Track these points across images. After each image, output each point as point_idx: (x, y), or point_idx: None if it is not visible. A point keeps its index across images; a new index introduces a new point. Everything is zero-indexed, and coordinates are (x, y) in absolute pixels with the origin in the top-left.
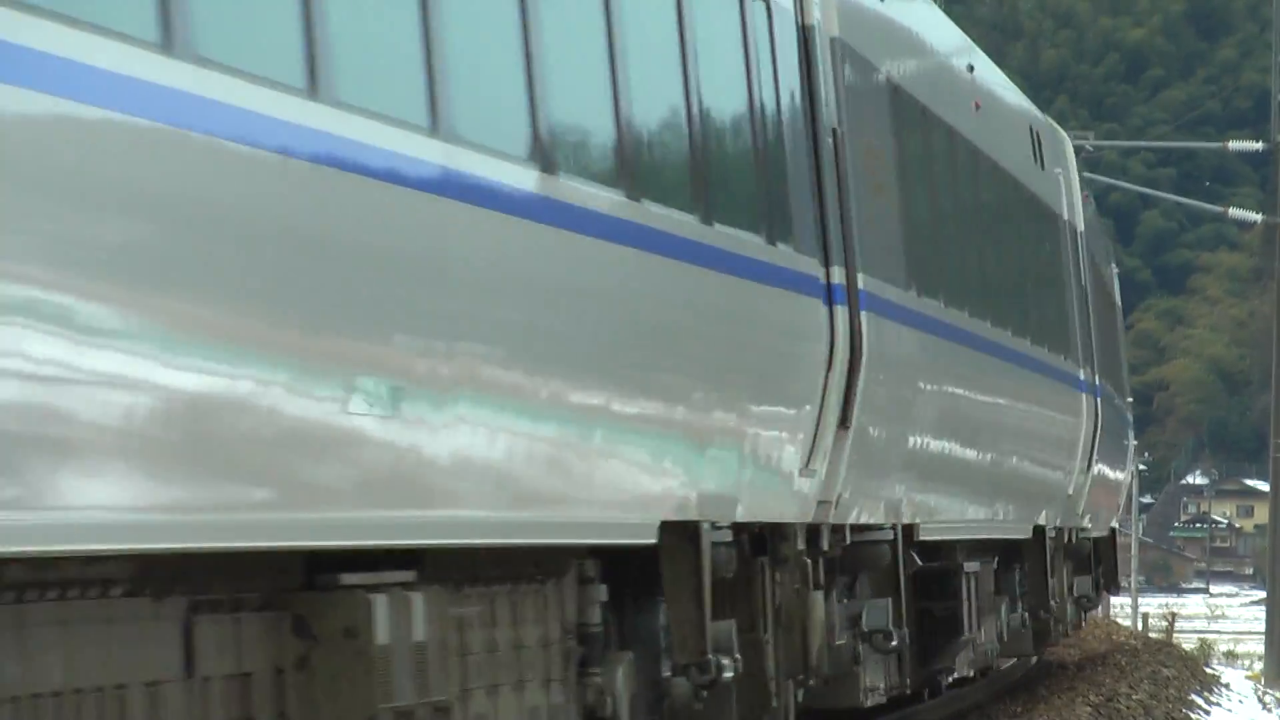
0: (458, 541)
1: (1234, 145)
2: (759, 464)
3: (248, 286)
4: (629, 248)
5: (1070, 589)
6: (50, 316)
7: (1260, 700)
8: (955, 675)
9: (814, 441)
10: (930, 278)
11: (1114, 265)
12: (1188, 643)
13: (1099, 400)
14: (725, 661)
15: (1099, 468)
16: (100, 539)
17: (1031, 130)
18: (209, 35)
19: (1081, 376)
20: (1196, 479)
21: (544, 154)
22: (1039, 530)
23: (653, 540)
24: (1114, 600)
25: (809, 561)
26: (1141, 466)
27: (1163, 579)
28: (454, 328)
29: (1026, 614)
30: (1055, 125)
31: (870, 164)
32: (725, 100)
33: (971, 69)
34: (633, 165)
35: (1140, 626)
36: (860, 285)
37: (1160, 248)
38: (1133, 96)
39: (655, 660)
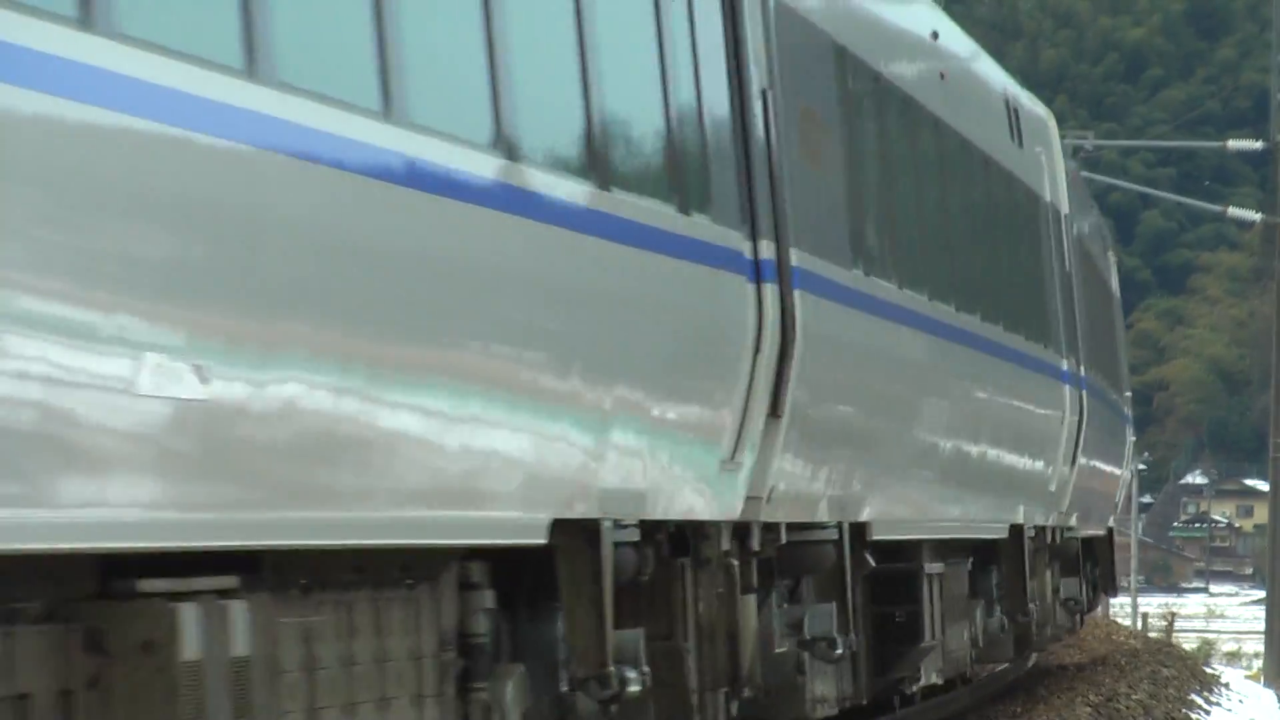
0: (282, 544)
1: (1233, 145)
2: (673, 456)
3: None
4: (508, 214)
5: (1056, 591)
6: None
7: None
8: (921, 684)
9: (740, 431)
10: (880, 257)
11: (1111, 254)
12: (1188, 643)
13: (1084, 393)
14: (631, 674)
15: (1087, 464)
16: None
17: (1008, 105)
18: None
19: (1064, 367)
20: (1196, 479)
21: (399, 107)
22: (1017, 529)
23: (542, 540)
24: (1114, 600)
25: (736, 563)
26: (1141, 466)
27: (1162, 579)
28: (286, 293)
29: (1004, 618)
30: (1038, 102)
31: (809, 132)
32: (630, 55)
33: (936, 36)
34: (512, 124)
35: (1140, 626)
36: (793, 261)
37: (1160, 247)
38: (1132, 96)
39: (552, 674)
